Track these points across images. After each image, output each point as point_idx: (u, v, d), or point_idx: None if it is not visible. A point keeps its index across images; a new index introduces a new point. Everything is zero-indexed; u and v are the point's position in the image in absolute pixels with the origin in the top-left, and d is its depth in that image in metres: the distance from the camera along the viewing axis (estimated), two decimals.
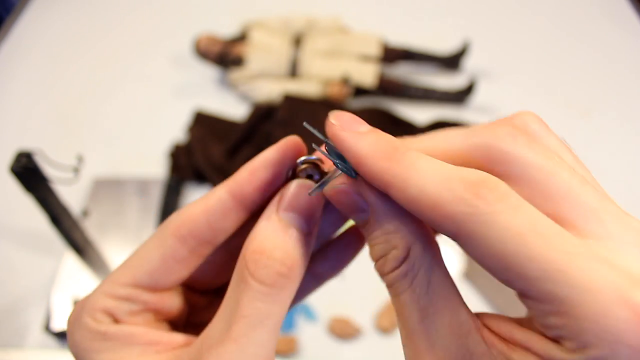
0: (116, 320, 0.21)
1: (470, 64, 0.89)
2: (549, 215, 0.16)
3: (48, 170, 0.44)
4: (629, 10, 1.02)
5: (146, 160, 0.74)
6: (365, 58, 0.83)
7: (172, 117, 0.80)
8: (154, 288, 0.22)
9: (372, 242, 0.19)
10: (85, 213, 0.65)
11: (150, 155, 0.75)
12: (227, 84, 0.85)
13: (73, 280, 0.58)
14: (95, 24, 0.99)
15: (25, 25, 0.96)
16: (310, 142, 0.21)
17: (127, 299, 0.21)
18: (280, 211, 0.21)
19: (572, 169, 0.17)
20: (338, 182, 0.20)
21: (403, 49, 0.85)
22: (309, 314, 0.59)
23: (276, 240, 0.20)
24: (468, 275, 0.62)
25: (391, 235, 0.18)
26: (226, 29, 0.89)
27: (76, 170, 0.46)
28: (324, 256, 0.25)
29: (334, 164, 0.20)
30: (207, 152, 0.72)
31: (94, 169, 0.70)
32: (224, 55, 0.81)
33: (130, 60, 0.91)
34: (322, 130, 0.20)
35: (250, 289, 0.19)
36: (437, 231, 0.21)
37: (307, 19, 0.87)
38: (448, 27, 0.98)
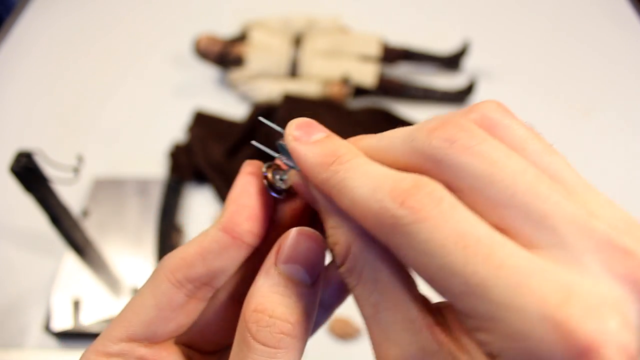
0: None
1: (470, 64, 0.89)
2: (495, 225, 0.15)
3: (48, 170, 0.44)
4: (629, 10, 1.02)
5: (146, 160, 0.74)
6: (365, 58, 0.83)
7: (172, 117, 0.80)
8: (150, 340, 0.20)
9: (326, 232, 0.19)
10: (85, 213, 0.65)
11: (150, 155, 0.75)
12: (227, 84, 0.85)
13: (73, 280, 0.58)
14: (95, 24, 0.99)
15: (25, 25, 0.96)
16: None
17: (120, 356, 0.20)
18: (278, 264, 0.19)
19: (523, 171, 0.15)
20: (293, 177, 0.20)
21: (403, 49, 0.85)
22: None
23: (276, 297, 0.19)
24: None
25: (335, 229, 0.18)
26: (226, 29, 0.89)
27: (76, 170, 0.46)
28: (327, 284, 0.24)
29: (284, 163, 0.21)
30: (207, 152, 0.72)
31: (94, 169, 0.70)
32: (224, 55, 0.81)
33: (130, 60, 0.91)
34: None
35: (254, 352, 0.18)
36: None
37: (307, 19, 0.87)
38: (448, 27, 0.98)
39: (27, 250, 0.64)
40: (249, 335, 0.18)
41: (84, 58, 0.92)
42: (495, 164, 0.15)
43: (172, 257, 0.21)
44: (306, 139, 0.19)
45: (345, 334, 0.57)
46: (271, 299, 0.19)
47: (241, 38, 0.84)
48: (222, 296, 0.23)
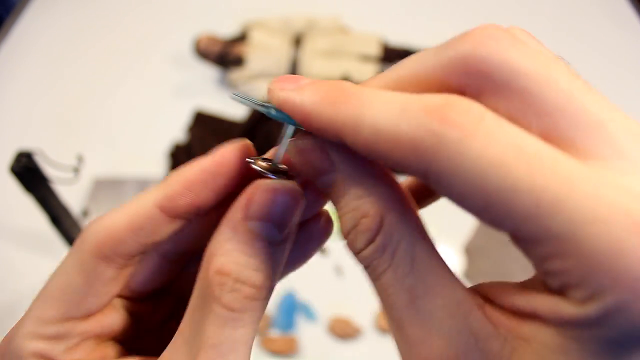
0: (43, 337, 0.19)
1: None
2: (542, 135, 0.13)
3: (48, 170, 0.44)
4: (629, 10, 1.02)
5: (146, 160, 0.74)
6: (365, 58, 0.83)
7: (172, 117, 0.80)
8: (86, 314, 0.19)
9: (341, 212, 0.16)
10: (85, 213, 0.65)
11: (150, 155, 0.75)
12: (227, 84, 0.85)
13: None
14: (95, 24, 0.99)
15: (25, 25, 0.96)
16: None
17: (59, 337, 0.19)
18: (248, 220, 0.17)
19: (572, 76, 0.14)
20: (299, 140, 0.17)
21: (403, 49, 0.85)
22: (309, 314, 0.59)
23: (244, 258, 0.17)
24: (468, 275, 0.62)
25: (361, 200, 0.15)
26: (226, 29, 0.89)
27: (76, 170, 0.46)
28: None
29: (283, 123, 0.17)
30: (207, 152, 0.72)
31: (94, 169, 0.70)
32: (224, 55, 0.81)
33: (130, 60, 0.91)
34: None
35: (217, 315, 0.17)
36: (411, 177, 0.19)
37: (307, 19, 0.87)
38: (448, 27, 0.97)
39: (27, 250, 0.64)
40: (211, 297, 0.17)
41: (84, 58, 0.92)
42: (550, 64, 0.14)
43: (98, 229, 0.18)
44: (295, 85, 0.16)
45: (345, 334, 0.57)
46: (237, 259, 0.17)
47: (241, 38, 0.84)
48: (155, 255, 0.21)
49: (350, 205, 0.16)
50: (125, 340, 0.21)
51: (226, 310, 0.17)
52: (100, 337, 0.20)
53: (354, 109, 0.14)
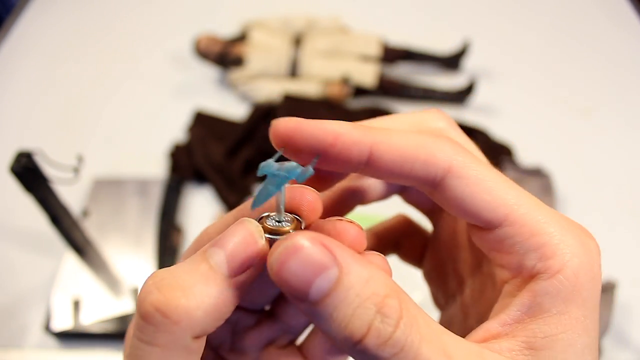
0: None
1: (470, 64, 0.89)
2: None
3: (48, 170, 0.44)
4: (629, 10, 1.02)
5: (146, 160, 0.74)
6: (365, 58, 0.83)
7: (172, 117, 0.80)
8: None
9: (351, 308, 0.15)
10: (85, 213, 0.65)
11: (150, 155, 0.75)
12: (227, 84, 0.85)
13: (73, 280, 0.58)
14: (95, 24, 0.98)
15: (25, 25, 0.96)
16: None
17: None
18: (212, 247, 0.17)
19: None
20: (289, 241, 0.15)
21: (403, 49, 0.85)
22: None
23: (175, 269, 0.17)
24: None
25: (375, 281, 0.15)
26: (226, 29, 0.89)
27: (76, 170, 0.46)
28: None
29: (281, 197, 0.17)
30: (207, 152, 0.72)
31: (94, 169, 0.70)
32: (224, 55, 0.81)
33: (130, 60, 0.91)
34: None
35: (135, 317, 0.16)
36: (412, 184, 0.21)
37: (307, 19, 0.87)
38: (448, 27, 0.98)
39: (27, 250, 0.64)
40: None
41: (84, 58, 0.92)
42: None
43: (202, 232, 0.23)
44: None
45: None
46: (172, 268, 0.17)
47: (241, 38, 0.84)
48: None
49: (365, 294, 0.15)
50: (221, 350, 0.23)
51: (137, 313, 0.16)
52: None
53: (379, 128, 0.18)
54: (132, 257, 0.62)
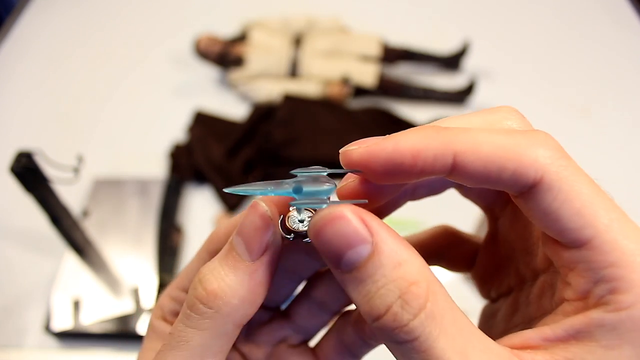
0: (164, 317, 0.23)
1: (470, 64, 0.89)
2: None
3: (48, 170, 0.44)
4: (629, 10, 1.02)
5: (146, 160, 0.74)
6: (365, 58, 0.83)
7: (172, 117, 0.80)
8: None
9: (375, 286, 0.15)
10: (85, 213, 0.65)
11: (150, 155, 0.75)
12: (227, 84, 0.85)
13: (73, 280, 0.58)
14: (95, 24, 0.99)
15: (25, 25, 0.96)
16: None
17: (173, 299, 0.23)
18: (234, 235, 0.19)
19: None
20: (333, 209, 0.16)
21: (403, 49, 0.85)
22: None
23: (214, 264, 0.19)
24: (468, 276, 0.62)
25: (402, 268, 0.15)
26: (226, 29, 0.89)
27: (76, 170, 0.46)
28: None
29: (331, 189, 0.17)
30: (207, 152, 0.72)
31: (94, 169, 0.70)
32: (224, 55, 0.81)
33: (130, 60, 0.91)
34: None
35: (183, 307, 0.19)
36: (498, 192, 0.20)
37: (307, 19, 0.87)
38: (448, 27, 0.98)
39: (27, 250, 0.64)
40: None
41: (84, 58, 0.92)
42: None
43: (215, 228, 0.22)
44: (378, 139, 0.17)
45: None
46: (210, 264, 0.19)
47: (241, 38, 0.84)
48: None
49: (392, 276, 0.15)
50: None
51: (185, 304, 0.19)
52: None
53: (467, 132, 0.16)
54: (132, 257, 0.62)
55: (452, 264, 0.26)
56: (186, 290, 0.23)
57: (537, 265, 0.21)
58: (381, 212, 0.22)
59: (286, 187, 0.18)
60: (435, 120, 0.18)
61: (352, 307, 0.24)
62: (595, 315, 0.16)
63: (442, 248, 0.25)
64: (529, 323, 0.19)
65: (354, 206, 0.16)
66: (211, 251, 0.22)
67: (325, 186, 0.17)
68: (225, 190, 0.19)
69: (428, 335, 0.15)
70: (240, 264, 0.18)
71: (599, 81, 0.89)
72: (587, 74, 0.91)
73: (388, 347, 0.16)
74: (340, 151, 0.17)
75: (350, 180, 0.19)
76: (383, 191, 0.19)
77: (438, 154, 0.16)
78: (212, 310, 0.18)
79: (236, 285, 0.18)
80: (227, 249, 0.19)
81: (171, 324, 0.23)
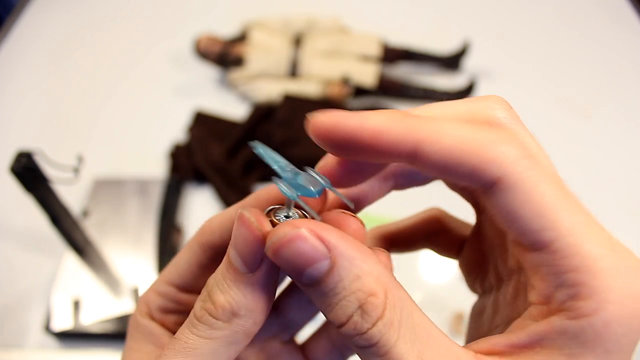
0: (150, 314, 0.23)
1: (470, 64, 0.89)
2: None
3: (48, 170, 0.44)
4: (629, 10, 1.02)
5: (146, 160, 0.74)
6: (365, 58, 0.83)
7: (172, 117, 0.80)
8: (185, 288, 0.23)
9: (335, 298, 0.16)
10: (85, 213, 0.65)
11: (150, 155, 0.75)
12: (227, 84, 0.85)
13: (73, 280, 0.58)
14: (95, 24, 0.99)
15: (25, 25, 0.96)
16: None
17: (161, 295, 0.23)
18: (230, 247, 0.19)
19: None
20: (289, 228, 0.16)
21: (403, 49, 0.85)
22: None
23: (218, 277, 0.19)
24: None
25: (362, 280, 0.16)
26: (226, 29, 0.89)
27: (76, 170, 0.46)
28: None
29: (291, 200, 0.17)
30: (207, 152, 0.72)
31: (94, 169, 0.70)
32: (224, 55, 0.81)
33: (130, 60, 0.91)
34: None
35: (191, 315, 0.19)
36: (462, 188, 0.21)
37: (307, 19, 0.87)
38: (448, 27, 0.98)
39: (27, 250, 0.64)
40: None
41: (84, 58, 0.92)
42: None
43: (206, 222, 0.22)
44: (347, 113, 0.17)
45: None
46: (215, 276, 0.19)
47: (241, 38, 0.84)
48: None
49: (351, 288, 0.16)
50: None
51: (192, 314, 0.19)
52: None
53: (432, 122, 0.16)
54: (132, 257, 0.62)
55: (441, 249, 0.26)
56: (175, 285, 0.23)
57: (512, 264, 0.21)
58: (362, 200, 0.22)
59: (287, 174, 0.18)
60: None
61: None
62: (557, 322, 0.15)
63: (431, 233, 0.25)
64: (507, 325, 0.19)
65: (311, 221, 0.16)
66: (203, 244, 0.22)
67: (315, 188, 0.18)
68: (250, 143, 0.19)
69: (386, 341, 0.16)
70: (240, 276, 0.18)
71: (599, 81, 0.89)
72: (587, 74, 0.91)
73: (354, 350, 0.17)
74: (309, 119, 0.17)
75: (328, 159, 0.19)
76: (361, 171, 0.19)
77: (399, 139, 0.16)
78: (221, 321, 0.18)
79: (241, 297, 0.18)
80: (227, 262, 0.19)
81: (159, 322, 0.23)
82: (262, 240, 0.17)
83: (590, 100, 0.86)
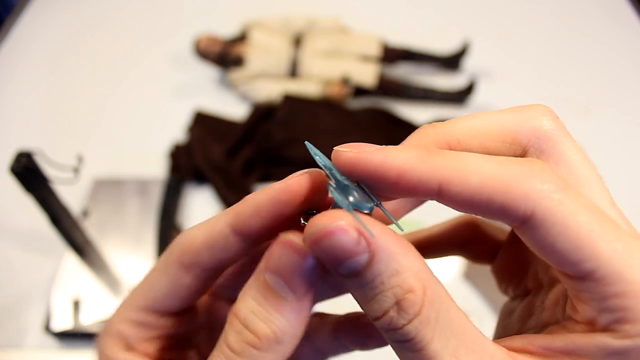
0: (129, 346, 0.21)
1: (470, 64, 0.89)
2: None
3: (48, 170, 0.44)
4: (629, 10, 1.02)
5: (146, 160, 0.74)
6: (365, 58, 0.83)
7: (172, 117, 0.80)
8: (166, 312, 0.21)
9: (372, 292, 0.16)
10: (85, 213, 0.65)
11: (150, 155, 0.75)
12: (227, 84, 0.85)
13: (73, 280, 0.58)
14: (95, 24, 0.99)
15: (25, 25, 0.96)
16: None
17: (140, 324, 0.21)
18: (266, 272, 0.18)
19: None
20: (329, 220, 0.16)
21: (403, 49, 0.85)
22: None
23: (254, 306, 0.18)
24: (468, 276, 0.62)
25: (404, 275, 0.16)
26: (226, 29, 0.89)
27: (76, 170, 0.46)
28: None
29: (341, 197, 0.16)
30: (207, 152, 0.72)
31: (94, 169, 0.70)
32: (224, 55, 0.81)
33: (130, 60, 0.91)
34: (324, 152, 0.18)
35: (221, 351, 0.18)
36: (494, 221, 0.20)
37: (307, 19, 0.87)
38: (448, 27, 0.98)
39: (27, 250, 0.64)
40: (223, 334, 0.18)
41: (84, 58, 0.92)
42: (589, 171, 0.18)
43: (181, 241, 0.20)
44: (370, 148, 0.17)
45: None
46: (249, 305, 0.18)
47: (241, 38, 0.84)
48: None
49: (389, 284, 0.16)
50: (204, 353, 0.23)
51: (228, 349, 0.18)
52: (179, 340, 0.22)
53: (457, 159, 0.16)
54: (132, 257, 0.62)
55: (474, 256, 0.25)
56: (154, 311, 0.21)
57: (555, 274, 0.20)
58: (398, 211, 0.22)
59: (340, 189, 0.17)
60: (439, 120, 0.18)
61: (329, 310, 0.24)
62: (599, 339, 0.16)
63: (464, 239, 0.25)
64: (541, 329, 0.19)
65: (350, 214, 0.16)
66: (186, 265, 0.20)
67: (368, 204, 0.17)
68: (306, 143, 0.18)
69: (422, 338, 0.16)
70: (284, 302, 0.17)
71: (598, 81, 0.89)
72: (587, 74, 0.91)
73: (388, 342, 0.17)
74: (333, 149, 0.17)
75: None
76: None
77: (423, 179, 0.16)
78: (266, 353, 0.17)
79: (286, 326, 0.17)
80: (263, 287, 0.18)
81: (142, 352, 0.21)
82: (314, 264, 0.17)
83: (590, 100, 0.86)
